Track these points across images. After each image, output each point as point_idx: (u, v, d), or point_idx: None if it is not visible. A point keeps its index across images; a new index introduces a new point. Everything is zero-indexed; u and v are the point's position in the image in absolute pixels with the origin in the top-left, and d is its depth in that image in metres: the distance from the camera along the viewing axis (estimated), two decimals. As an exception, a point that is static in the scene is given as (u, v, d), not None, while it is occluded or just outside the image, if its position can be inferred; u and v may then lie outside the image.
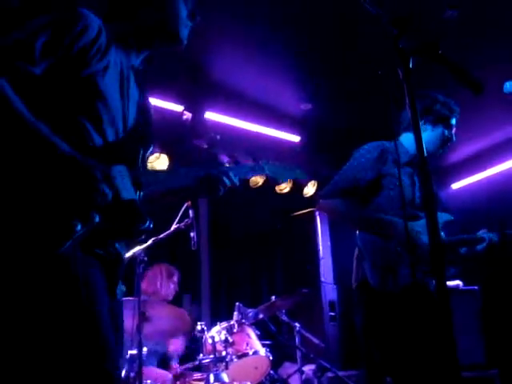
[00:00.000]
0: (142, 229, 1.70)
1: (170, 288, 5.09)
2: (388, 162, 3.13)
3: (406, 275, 2.88)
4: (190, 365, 4.37)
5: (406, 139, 3.28)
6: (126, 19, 1.94)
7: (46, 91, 1.67)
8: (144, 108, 1.98)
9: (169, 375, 4.29)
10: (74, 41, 1.66)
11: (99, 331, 1.58)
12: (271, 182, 7.12)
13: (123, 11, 1.96)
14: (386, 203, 3.08)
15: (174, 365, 4.70)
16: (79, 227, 1.52)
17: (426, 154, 3.16)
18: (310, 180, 7.21)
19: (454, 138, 3.27)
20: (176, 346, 4.84)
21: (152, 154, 5.68)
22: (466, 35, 5.06)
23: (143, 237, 1.77)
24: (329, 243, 7.13)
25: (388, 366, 2.95)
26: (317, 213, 7.06)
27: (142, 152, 1.85)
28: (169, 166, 5.82)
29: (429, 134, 3.21)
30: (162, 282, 5.05)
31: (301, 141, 6.87)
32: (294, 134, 6.86)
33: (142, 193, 1.80)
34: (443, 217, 3.20)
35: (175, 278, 5.16)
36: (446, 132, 3.23)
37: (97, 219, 1.57)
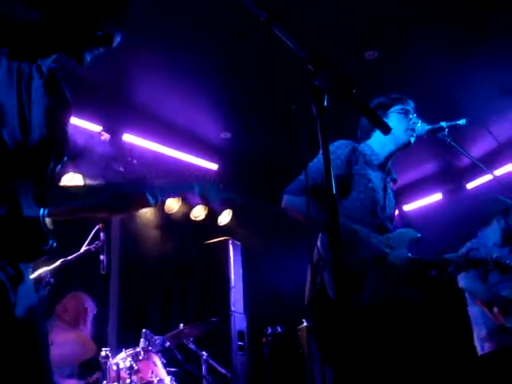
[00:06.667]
0: (44, 250, 1.54)
1: (87, 326, 4.89)
2: (359, 161, 2.94)
3: (372, 290, 2.63)
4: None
5: (375, 141, 3.10)
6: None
7: None
8: (56, 115, 1.72)
9: None
10: None
11: None
12: (186, 209, 7.12)
13: None
14: (354, 207, 2.86)
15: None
16: None
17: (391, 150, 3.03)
18: (225, 209, 7.27)
19: (417, 121, 3.07)
20: None
21: (66, 173, 5.64)
22: (386, 74, 5.34)
23: (46, 257, 1.59)
24: (240, 272, 7.15)
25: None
26: (230, 242, 7.08)
27: (51, 164, 1.65)
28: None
29: (394, 125, 2.98)
30: (80, 319, 4.82)
31: (218, 169, 6.93)
32: (212, 161, 6.91)
33: (46, 210, 1.59)
34: (409, 233, 2.96)
35: (91, 315, 4.97)
36: (409, 119, 3.07)
37: None
